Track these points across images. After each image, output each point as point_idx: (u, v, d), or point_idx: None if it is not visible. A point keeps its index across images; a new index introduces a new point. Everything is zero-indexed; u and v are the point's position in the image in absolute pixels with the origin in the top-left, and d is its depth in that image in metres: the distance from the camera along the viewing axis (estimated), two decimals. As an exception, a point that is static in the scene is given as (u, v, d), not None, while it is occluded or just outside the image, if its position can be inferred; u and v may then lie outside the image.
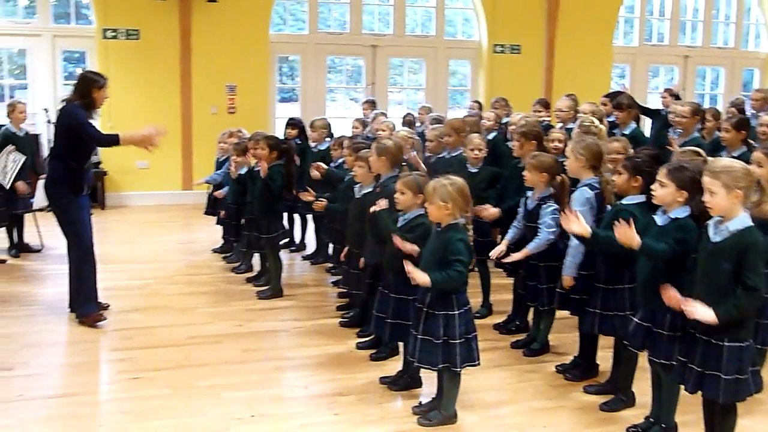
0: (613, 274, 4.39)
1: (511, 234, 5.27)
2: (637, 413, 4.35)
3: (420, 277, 3.96)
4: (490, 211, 5.54)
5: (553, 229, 4.86)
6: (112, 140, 5.68)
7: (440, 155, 6.47)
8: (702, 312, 3.38)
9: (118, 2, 10.88)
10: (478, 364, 4.23)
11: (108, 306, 6.10)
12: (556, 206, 4.87)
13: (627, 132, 6.83)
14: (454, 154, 6.31)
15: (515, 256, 5.02)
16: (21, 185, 7.62)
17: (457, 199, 4.07)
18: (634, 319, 4.01)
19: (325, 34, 12.34)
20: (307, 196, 6.09)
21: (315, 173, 6.47)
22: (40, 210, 8.43)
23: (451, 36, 13.15)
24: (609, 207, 4.51)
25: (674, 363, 3.76)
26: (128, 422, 4.22)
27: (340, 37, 12.42)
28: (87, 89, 5.68)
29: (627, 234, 3.72)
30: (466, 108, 12.55)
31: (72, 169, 5.68)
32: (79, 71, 11.61)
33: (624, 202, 4.25)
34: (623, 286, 4.37)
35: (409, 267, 4.01)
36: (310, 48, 12.23)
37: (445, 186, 4.07)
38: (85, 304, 5.85)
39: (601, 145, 4.85)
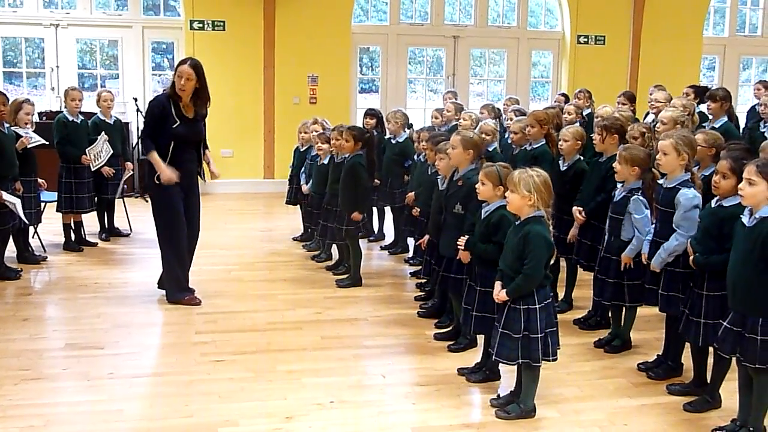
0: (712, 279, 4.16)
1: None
2: (723, 415, 4.23)
3: (501, 295, 4.10)
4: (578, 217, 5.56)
5: (648, 234, 4.74)
6: (146, 149, 5.83)
7: (523, 147, 6.39)
8: None
9: (206, -6, 11.15)
10: (556, 359, 4.20)
11: (193, 290, 6.27)
12: (644, 201, 4.79)
13: (717, 125, 6.61)
14: (536, 146, 6.22)
15: (624, 258, 4.89)
16: (106, 169, 7.89)
17: (542, 192, 4.02)
18: (724, 323, 3.89)
19: (406, 25, 12.34)
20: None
21: None
22: (129, 196, 8.74)
23: (533, 27, 12.97)
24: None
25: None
26: (212, 403, 4.34)
27: (421, 28, 12.40)
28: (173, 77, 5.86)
29: None
30: (547, 100, 12.43)
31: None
32: (166, 62, 12.09)
33: (725, 204, 4.02)
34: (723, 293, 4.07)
35: (497, 292, 4.14)
36: (391, 39, 12.25)
37: (531, 177, 4.03)
38: (176, 292, 6.08)
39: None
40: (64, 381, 4.66)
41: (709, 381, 4.38)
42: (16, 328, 5.51)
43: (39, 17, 11.15)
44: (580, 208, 5.54)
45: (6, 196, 6.42)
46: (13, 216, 6.58)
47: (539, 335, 4.06)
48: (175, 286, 6.09)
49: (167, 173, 5.75)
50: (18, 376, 4.64)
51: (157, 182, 5.81)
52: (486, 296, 4.48)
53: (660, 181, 4.67)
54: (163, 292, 6.17)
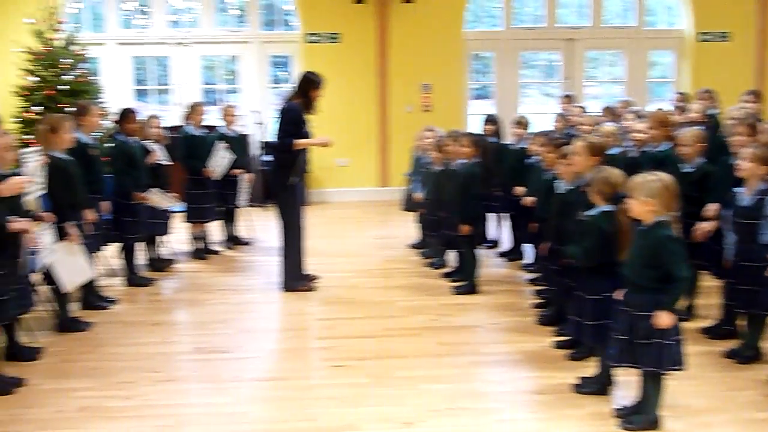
0: None
1: (731, 240, 4.97)
2: None
3: (665, 322, 3.90)
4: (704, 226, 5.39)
5: None
6: (286, 145, 6.41)
7: (644, 150, 6.20)
8: None
9: (321, 8, 11.41)
10: (684, 368, 4.04)
11: (309, 277, 6.87)
12: None
13: None
14: (660, 149, 6.00)
15: None
16: (249, 176, 8.49)
17: (664, 197, 3.91)
18: None
19: (519, 30, 12.21)
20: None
21: None
22: (252, 206, 9.02)
23: (651, 25, 12.57)
24: None
25: None
26: (333, 407, 4.43)
27: (534, 32, 12.24)
28: (306, 88, 6.48)
29: None
30: (667, 101, 11.99)
31: (284, 158, 6.43)
32: (284, 74, 12.44)
33: None
34: None
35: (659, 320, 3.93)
36: (504, 44, 12.15)
37: (651, 182, 3.93)
38: (294, 280, 6.65)
39: None
40: (194, 383, 4.88)
41: None
42: (148, 332, 5.81)
43: (165, 37, 11.72)
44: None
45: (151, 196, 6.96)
46: (144, 225, 6.94)
47: (669, 342, 3.92)
48: (295, 276, 6.66)
49: (324, 137, 6.54)
50: (151, 377, 4.90)
51: (290, 183, 6.44)
52: (597, 304, 4.42)
53: None
54: (284, 295, 6.58)
